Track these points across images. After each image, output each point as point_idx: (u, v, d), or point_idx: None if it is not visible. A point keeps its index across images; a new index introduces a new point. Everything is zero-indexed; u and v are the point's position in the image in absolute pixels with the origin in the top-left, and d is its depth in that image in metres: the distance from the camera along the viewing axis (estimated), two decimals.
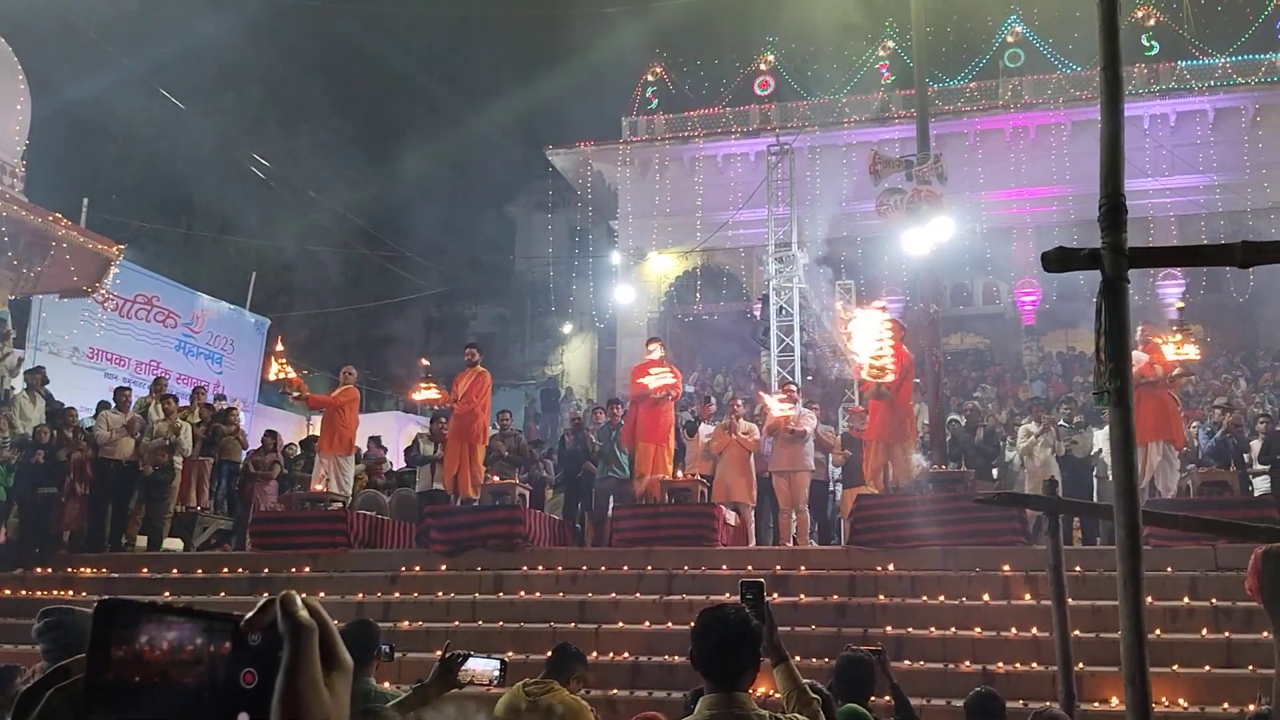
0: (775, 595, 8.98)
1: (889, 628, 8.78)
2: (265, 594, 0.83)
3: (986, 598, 9.10)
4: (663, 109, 27.53)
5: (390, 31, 30.43)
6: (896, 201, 13.27)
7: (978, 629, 8.68)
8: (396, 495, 13.15)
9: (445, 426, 12.22)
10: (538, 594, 9.94)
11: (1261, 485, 12.08)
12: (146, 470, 12.24)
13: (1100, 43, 2.93)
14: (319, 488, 11.73)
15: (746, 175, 24.95)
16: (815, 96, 26.78)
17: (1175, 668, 7.85)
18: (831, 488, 13.64)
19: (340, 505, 11.60)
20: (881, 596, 9.38)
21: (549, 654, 5.05)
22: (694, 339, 27.91)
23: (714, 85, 27.78)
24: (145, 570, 11.19)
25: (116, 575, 11.07)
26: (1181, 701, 7.62)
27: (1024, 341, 25.81)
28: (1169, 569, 9.00)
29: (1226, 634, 8.23)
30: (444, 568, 10.57)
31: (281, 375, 11.98)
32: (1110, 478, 3.33)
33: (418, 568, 10.62)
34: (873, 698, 4.94)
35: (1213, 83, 24.53)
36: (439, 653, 3.64)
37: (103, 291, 15.48)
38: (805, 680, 3.05)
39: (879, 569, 9.75)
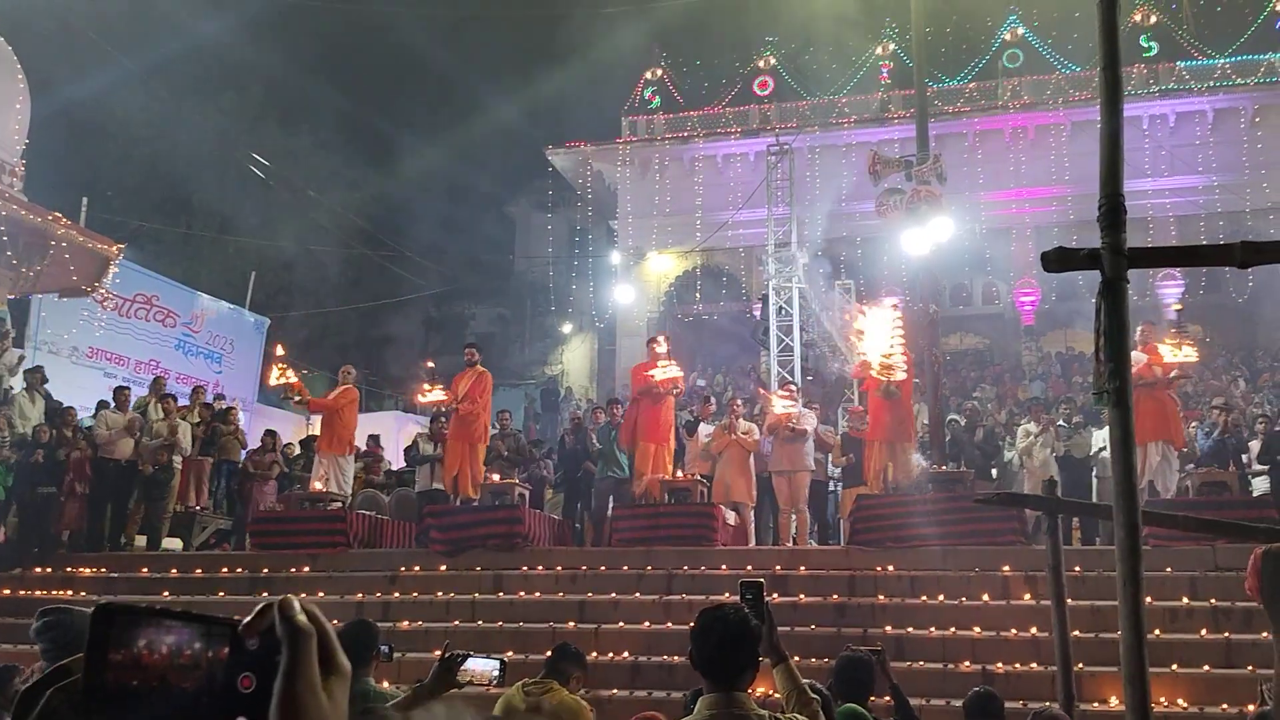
0: (775, 595, 8.98)
1: (888, 628, 8.78)
2: (265, 594, 0.83)
3: (986, 598, 9.10)
4: (662, 109, 27.53)
5: (390, 31, 30.42)
6: (896, 201, 13.27)
7: (977, 629, 8.68)
8: (396, 495, 13.14)
9: (445, 426, 12.22)
10: (537, 594, 9.94)
11: (1260, 485, 12.09)
12: (146, 470, 12.24)
13: (1100, 43, 2.92)
14: (318, 487, 11.73)
15: (746, 175, 24.95)
16: (815, 97, 26.79)
17: (1174, 668, 7.85)
18: (831, 488, 13.65)
19: (340, 505, 11.60)
20: (881, 596, 9.38)
21: (548, 654, 5.05)
22: (694, 339, 27.89)
23: (714, 85, 27.80)
24: (144, 570, 11.19)
25: (115, 575, 11.07)
26: (1181, 701, 7.63)
27: (1023, 342, 25.81)
28: (1168, 569, 9.00)
29: (1226, 634, 8.23)
30: (443, 567, 10.57)
31: (283, 381, 12.00)
32: (1110, 478, 3.33)
33: (417, 567, 10.61)
34: (872, 698, 4.94)
35: (1212, 83, 24.54)
36: (438, 653, 3.64)
37: (102, 291, 15.47)
38: (805, 680, 3.05)
39: (878, 569, 9.75)
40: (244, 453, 13.78)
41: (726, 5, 27.80)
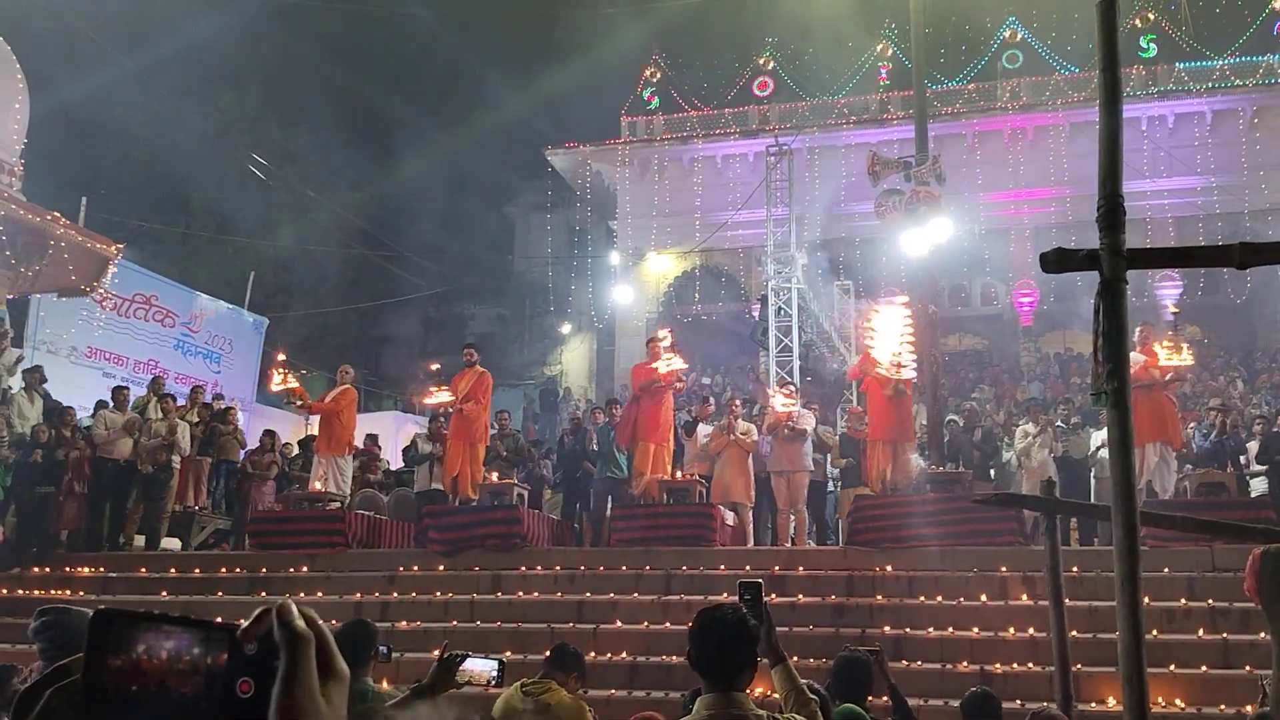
0: (773, 595, 8.97)
1: (887, 628, 8.78)
2: (263, 594, 0.84)
3: (984, 598, 9.10)
4: (662, 109, 27.54)
5: (389, 31, 30.43)
6: (895, 202, 13.27)
7: (975, 629, 8.69)
8: (395, 495, 13.14)
9: (444, 426, 12.22)
10: (536, 594, 9.94)
11: (1258, 486, 12.10)
12: (144, 469, 12.22)
13: (1099, 44, 2.93)
14: (317, 487, 11.73)
15: (745, 176, 24.96)
16: (814, 97, 26.81)
17: (1172, 668, 7.86)
18: (830, 488, 13.65)
19: (338, 505, 11.59)
20: (879, 597, 9.38)
21: (547, 654, 5.05)
22: (693, 339, 27.84)
23: (713, 85, 27.83)
24: (143, 570, 11.18)
25: (114, 575, 11.06)
26: (1178, 702, 7.63)
27: (1022, 342, 25.83)
28: (1166, 570, 9.00)
29: (1223, 635, 8.23)
30: (442, 568, 10.56)
31: (284, 385, 12.04)
32: (1108, 478, 3.33)
33: (416, 568, 10.61)
34: (870, 698, 4.94)
35: (1210, 84, 24.57)
36: (437, 653, 3.64)
37: (101, 291, 15.46)
38: (803, 680, 3.06)
39: (877, 569, 9.75)
40: (243, 453, 13.77)
41: (726, 5, 27.84)
